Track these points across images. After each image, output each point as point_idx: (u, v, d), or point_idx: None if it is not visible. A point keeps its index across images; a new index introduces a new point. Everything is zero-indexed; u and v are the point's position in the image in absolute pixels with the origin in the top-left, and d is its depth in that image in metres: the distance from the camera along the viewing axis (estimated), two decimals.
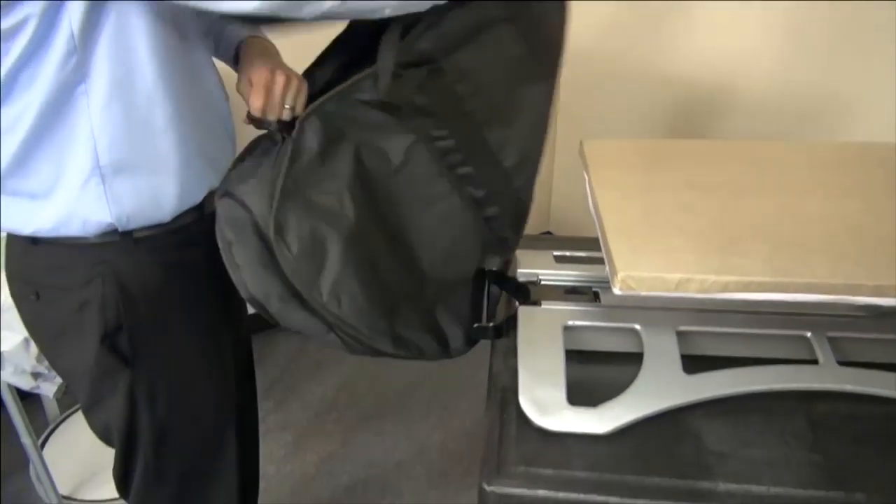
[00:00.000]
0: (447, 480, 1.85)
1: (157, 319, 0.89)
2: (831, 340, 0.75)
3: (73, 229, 0.80)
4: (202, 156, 0.84)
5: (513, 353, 0.78)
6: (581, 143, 0.99)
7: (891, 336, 0.76)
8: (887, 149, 0.99)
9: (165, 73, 0.75)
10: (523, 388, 0.72)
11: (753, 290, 0.67)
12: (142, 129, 0.77)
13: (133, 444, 0.95)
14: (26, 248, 0.86)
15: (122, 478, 0.99)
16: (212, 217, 0.83)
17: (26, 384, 1.47)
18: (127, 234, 0.83)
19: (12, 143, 0.76)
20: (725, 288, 0.67)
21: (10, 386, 1.49)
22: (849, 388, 0.72)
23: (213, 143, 0.86)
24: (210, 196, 0.89)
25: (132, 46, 0.73)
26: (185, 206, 0.84)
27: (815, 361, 0.74)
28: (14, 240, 0.87)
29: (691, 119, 1.98)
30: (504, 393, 0.74)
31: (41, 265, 0.86)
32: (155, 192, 0.81)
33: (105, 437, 0.98)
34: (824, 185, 0.87)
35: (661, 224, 0.77)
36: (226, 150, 0.90)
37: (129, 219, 0.81)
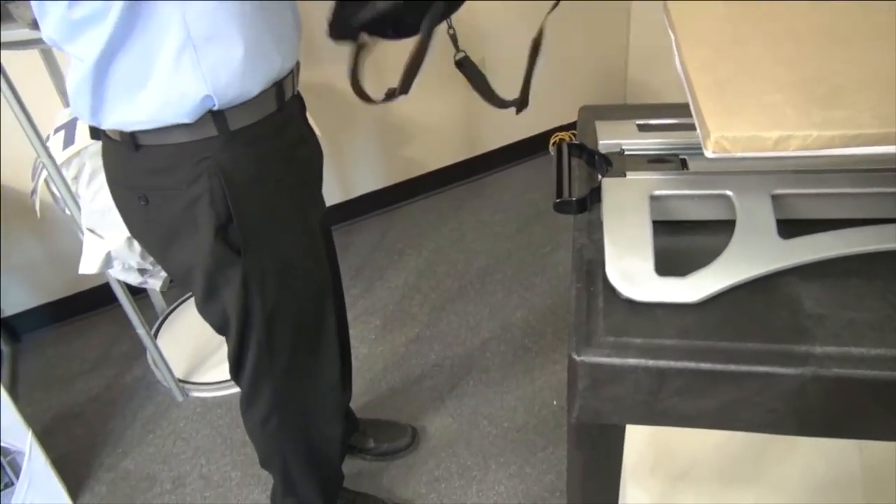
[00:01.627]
0: (531, 355, 1.91)
1: (262, 207, 0.94)
2: None
3: (171, 113, 0.83)
4: (270, 33, 0.85)
5: (597, 226, 0.77)
6: (665, 5, 0.92)
7: None
8: None
9: None
10: (610, 260, 0.71)
11: (861, 144, 0.62)
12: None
13: (247, 328, 1.02)
14: (129, 154, 0.89)
15: (237, 361, 1.08)
16: (292, 104, 0.86)
17: (134, 280, 1.57)
18: (223, 128, 0.86)
19: (101, 35, 0.78)
20: (830, 143, 0.62)
21: (120, 282, 1.61)
22: None
23: (280, 25, 0.87)
24: (289, 82, 0.90)
25: None
26: (267, 80, 0.87)
27: None
28: (114, 146, 0.91)
29: None
30: (590, 265, 0.74)
31: (146, 169, 0.90)
32: (240, 62, 0.83)
33: (221, 326, 1.05)
34: None
35: (756, 79, 0.71)
36: (292, 38, 0.90)
37: (225, 90, 0.83)
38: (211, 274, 0.97)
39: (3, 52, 1.27)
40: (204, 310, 1.03)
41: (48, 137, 1.50)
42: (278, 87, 0.91)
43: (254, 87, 0.86)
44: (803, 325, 0.65)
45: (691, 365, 0.63)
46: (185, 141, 0.86)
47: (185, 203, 0.90)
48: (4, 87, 1.30)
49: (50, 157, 1.39)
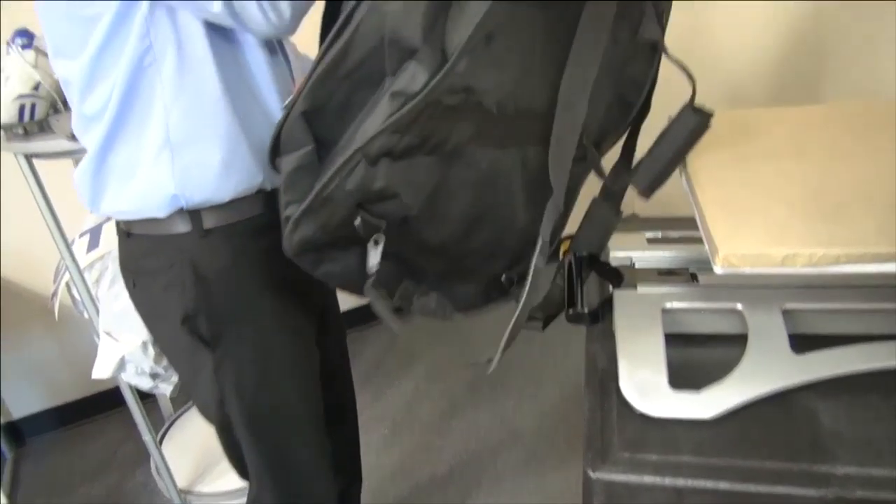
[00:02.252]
0: (543, 464, 1.85)
1: (234, 303, 0.95)
2: None
3: (148, 206, 0.89)
4: (252, 148, 0.89)
5: (610, 337, 0.77)
6: (669, 119, 0.96)
7: None
8: None
9: (217, 59, 0.83)
10: (624, 374, 0.71)
11: (867, 261, 0.63)
12: (203, 107, 0.85)
13: (228, 427, 1.02)
14: (124, 241, 0.98)
15: (235, 460, 1.07)
16: (270, 213, 0.90)
17: (146, 384, 1.57)
18: (197, 225, 0.91)
19: (102, 128, 0.86)
20: (836, 261, 0.63)
21: (130, 386, 1.60)
22: None
23: (265, 133, 0.90)
24: (271, 195, 0.94)
25: (190, 34, 0.82)
26: (241, 190, 0.90)
27: None
28: (118, 232, 0.99)
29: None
30: (604, 377, 0.73)
31: (135, 254, 0.98)
32: (213, 170, 0.88)
33: (206, 415, 1.05)
34: None
35: (761, 195, 0.74)
36: None
37: (193, 192, 0.88)
38: (186, 361, 1.01)
39: (39, 160, 1.34)
40: (191, 397, 1.06)
41: (73, 241, 1.54)
42: (266, 193, 0.94)
43: (225, 194, 0.90)
44: (823, 443, 0.64)
45: (709, 484, 0.62)
46: (163, 234, 0.91)
47: (161, 288, 0.95)
48: (37, 192, 1.36)
49: (74, 260, 1.42)
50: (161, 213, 0.90)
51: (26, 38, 1.32)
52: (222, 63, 0.85)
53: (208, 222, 0.92)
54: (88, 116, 0.88)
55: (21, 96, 1.31)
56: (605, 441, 0.67)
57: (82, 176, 0.92)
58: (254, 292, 0.97)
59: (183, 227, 0.91)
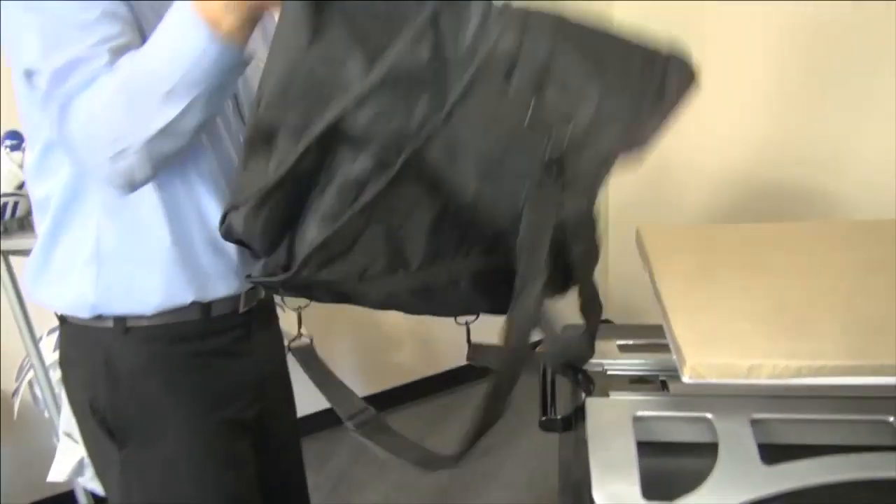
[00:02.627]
0: None
1: (140, 411, 0.92)
2: None
3: (75, 309, 0.89)
4: (184, 269, 0.88)
5: (583, 445, 0.77)
6: (638, 230, 1.01)
7: None
8: None
9: (159, 182, 0.82)
10: (597, 484, 0.71)
11: (826, 374, 0.66)
12: (138, 229, 0.85)
13: None
14: (61, 328, 0.97)
15: None
16: (230, 318, 0.91)
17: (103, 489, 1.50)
18: (120, 324, 0.89)
19: (47, 223, 0.87)
20: (798, 373, 0.66)
21: (86, 491, 1.53)
22: None
23: (202, 258, 0.89)
24: (227, 303, 0.93)
25: None
26: (168, 307, 0.89)
27: None
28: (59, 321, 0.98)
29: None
30: (577, 487, 0.73)
31: (65, 342, 0.96)
32: (137, 289, 0.87)
33: None
34: (886, 262, 0.86)
35: (727, 308, 0.77)
36: (217, 264, 0.91)
37: (113, 306, 0.87)
38: (95, 453, 0.98)
39: (14, 257, 1.34)
40: (103, 486, 1.02)
41: (41, 338, 1.52)
42: (201, 304, 0.92)
43: (148, 310, 0.89)
44: None
45: None
46: (88, 325, 0.90)
47: (78, 377, 0.94)
48: (9, 287, 1.35)
49: (40, 357, 1.40)
50: (84, 315, 0.89)
51: (16, 139, 1.36)
52: (164, 185, 0.83)
53: (131, 321, 0.90)
54: (37, 206, 0.89)
55: (4, 195, 1.33)
56: None
57: (31, 263, 0.91)
58: (165, 404, 0.92)
59: (105, 322, 0.89)
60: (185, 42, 0.68)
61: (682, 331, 0.72)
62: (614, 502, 0.69)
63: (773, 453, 0.72)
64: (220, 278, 0.91)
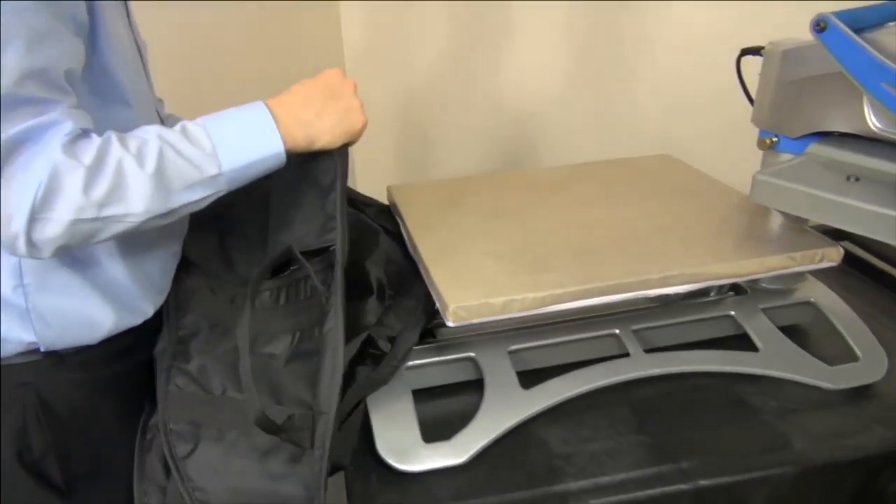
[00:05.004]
0: None
1: (92, 442, 0.77)
2: (635, 332, 0.85)
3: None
4: (140, 283, 0.77)
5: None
6: (388, 189, 1.03)
7: (678, 320, 0.88)
8: (651, 160, 1.15)
9: None
10: (378, 436, 0.73)
11: (565, 301, 0.74)
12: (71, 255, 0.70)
13: None
14: None
15: None
16: (145, 326, 0.78)
17: None
18: (51, 352, 0.73)
19: None
20: (542, 302, 0.74)
21: None
22: (656, 371, 0.81)
23: (156, 267, 0.80)
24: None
25: None
26: (119, 330, 0.76)
27: (626, 354, 0.83)
28: None
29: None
30: (361, 443, 0.75)
31: None
32: (85, 315, 0.73)
33: None
34: (605, 197, 0.99)
35: (477, 254, 0.83)
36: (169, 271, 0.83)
37: (55, 340, 0.72)
38: None
39: None
40: None
41: None
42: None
43: (99, 336, 0.75)
44: (556, 466, 0.72)
45: None
46: (4, 363, 0.72)
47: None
48: None
49: None
50: (7, 354, 0.72)
51: None
52: None
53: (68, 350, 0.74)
54: None
55: None
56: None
57: None
58: (118, 427, 0.80)
59: (32, 356, 0.72)
60: (251, 142, 0.67)
61: (441, 278, 0.76)
62: (398, 451, 0.72)
63: (531, 378, 0.80)
64: (158, 293, 0.81)
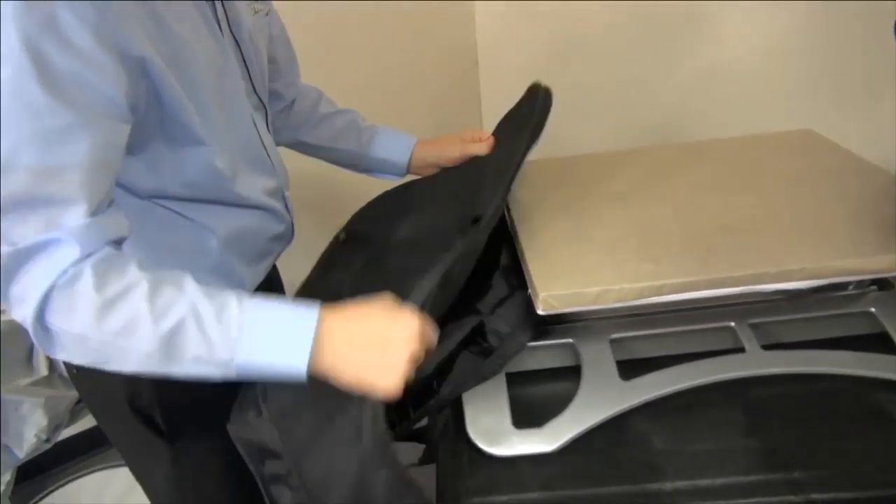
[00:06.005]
0: None
1: (196, 393, 0.86)
2: (753, 326, 0.79)
3: None
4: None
5: None
6: None
7: (805, 315, 0.79)
8: (790, 136, 1.04)
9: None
10: (470, 419, 0.74)
11: (666, 293, 0.70)
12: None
13: None
14: None
15: None
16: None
17: None
18: None
19: None
20: (640, 294, 0.70)
21: None
22: (775, 370, 0.75)
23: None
24: None
25: None
26: None
27: (742, 349, 0.77)
28: None
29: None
30: (451, 425, 0.76)
31: None
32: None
33: None
34: (719, 182, 0.91)
35: (576, 240, 0.80)
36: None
37: None
38: (131, 457, 0.92)
39: None
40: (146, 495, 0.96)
41: None
42: None
43: None
44: (653, 463, 0.68)
45: None
46: None
47: (113, 378, 0.83)
48: None
49: None
50: None
51: None
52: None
53: None
54: None
55: None
56: (458, 487, 0.69)
57: None
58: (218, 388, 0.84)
59: None
60: (279, 347, 0.63)
61: (535, 264, 0.75)
62: (488, 435, 0.72)
63: (632, 368, 0.77)
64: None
